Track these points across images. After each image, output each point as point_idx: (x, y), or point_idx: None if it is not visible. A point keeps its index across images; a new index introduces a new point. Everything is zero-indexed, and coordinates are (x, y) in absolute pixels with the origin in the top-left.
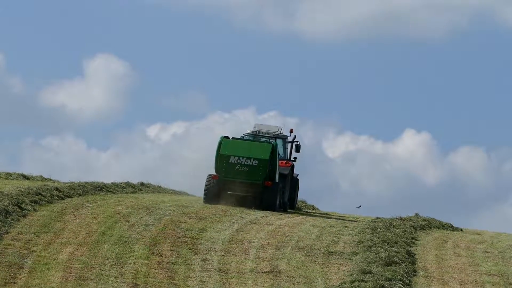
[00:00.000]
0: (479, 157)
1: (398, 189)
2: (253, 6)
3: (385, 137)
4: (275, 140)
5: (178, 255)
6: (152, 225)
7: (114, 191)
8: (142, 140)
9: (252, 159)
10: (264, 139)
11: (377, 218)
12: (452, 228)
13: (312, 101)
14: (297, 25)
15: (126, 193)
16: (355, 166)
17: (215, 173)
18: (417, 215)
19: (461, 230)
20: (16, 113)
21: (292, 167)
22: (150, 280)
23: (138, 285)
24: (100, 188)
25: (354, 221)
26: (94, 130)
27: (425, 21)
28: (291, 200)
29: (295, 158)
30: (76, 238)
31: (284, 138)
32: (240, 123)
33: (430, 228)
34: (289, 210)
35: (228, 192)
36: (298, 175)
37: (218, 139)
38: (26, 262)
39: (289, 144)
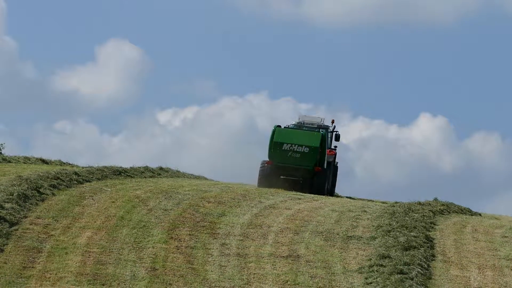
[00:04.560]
0: (494, 142)
1: (413, 174)
2: None
3: (400, 121)
4: (319, 130)
5: (196, 240)
6: (171, 209)
7: (132, 176)
8: (154, 125)
9: (303, 146)
10: (307, 128)
11: (396, 202)
12: (470, 212)
13: (325, 86)
14: (305, 10)
15: (145, 177)
16: (369, 151)
17: (268, 159)
18: (435, 199)
19: (480, 214)
20: (29, 98)
21: (335, 155)
22: (169, 265)
23: (157, 269)
24: (119, 173)
25: (372, 205)
26: (106, 115)
27: (434, 5)
28: (332, 186)
29: (335, 146)
30: (95, 222)
31: (326, 128)
32: (252, 107)
33: (449, 212)
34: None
35: (281, 177)
36: (337, 162)
37: (272, 128)
38: (45, 247)
39: (330, 134)
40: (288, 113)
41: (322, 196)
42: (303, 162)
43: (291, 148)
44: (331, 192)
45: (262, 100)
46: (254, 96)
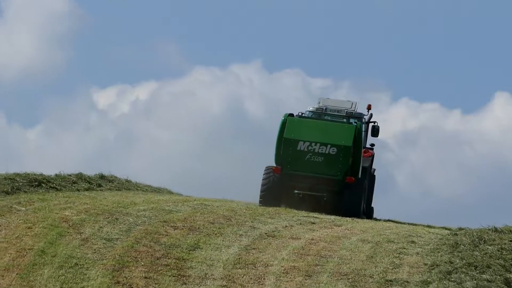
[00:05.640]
0: None
1: (485, 185)
2: None
3: (465, 105)
4: (350, 121)
5: (156, 285)
6: (117, 239)
7: (59, 188)
8: (90, 111)
9: (329, 146)
10: (332, 118)
11: (460, 229)
12: None
13: (348, 53)
14: None
15: (78, 190)
16: (418, 151)
17: (276, 165)
18: None
19: None
20: None
21: (372, 158)
22: None
23: None
24: (38, 183)
25: (424, 232)
26: (17, 96)
27: None
28: (368, 204)
29: (373, 145)
30: (1, 259)
31: (360, 117)
32: (240, 84)
33: None
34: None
35: (295, 191)
36: (375, 170)
37: (281, 118)
38: None
39: (365, 126)
40: (293, 92)
41: (346, 218)
42: (328, 169)
43: (310, 148)
44: (368, 214)
45: (254, 73)
46: (242, 67)
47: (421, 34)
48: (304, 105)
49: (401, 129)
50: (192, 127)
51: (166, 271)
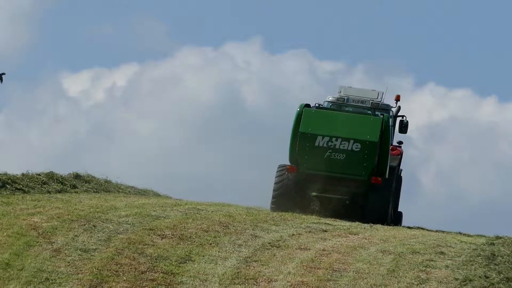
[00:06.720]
0: None
1: None
2: None
3: (502, 91)
4: (376, 113)
5: None
6: (95, 250)
7: (26, 189)
8: (59, 100)
9: (351, 142)
10: (355, 110)
11: (497, 237)
12: None
13: (363, 31)
14: None
15: (49, 192)
16: (446, 146)
17: (290, 163)
18: None
19: None
20: None
21: (401, 157)
22: None
23: None
24: (2, 184)
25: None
26: None
27: None
28: (395, 209)
29: (401, 142)
30: None
31: (387, 109)
32: (236, 67)
33: None
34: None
35: (313, 194)
36: (401, 170)
37: (297, 109)
38: None
39: (392, 120)
40: (298, 77)
41: (364, 225)
42: (351, 168)
43: (329, 144)
44: (396, 219)
45: (253, 54)
46: (238, 47)
47: (449, 6)
48: (310, 94)
49: (426, 120)
50: (180, 118)
51: (152, 287)
